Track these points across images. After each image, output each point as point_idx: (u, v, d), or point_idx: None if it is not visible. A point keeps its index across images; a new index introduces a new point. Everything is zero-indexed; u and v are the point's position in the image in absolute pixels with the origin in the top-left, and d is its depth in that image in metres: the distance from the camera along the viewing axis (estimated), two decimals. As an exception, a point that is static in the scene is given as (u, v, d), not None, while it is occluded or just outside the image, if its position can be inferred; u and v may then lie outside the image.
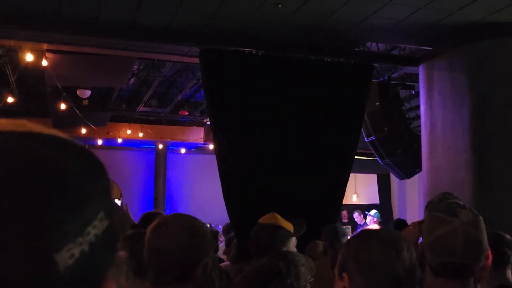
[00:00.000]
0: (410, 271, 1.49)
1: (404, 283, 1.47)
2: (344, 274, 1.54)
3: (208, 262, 2.47)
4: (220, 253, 6.17)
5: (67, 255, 0.57)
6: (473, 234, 1.78)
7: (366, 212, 12.55)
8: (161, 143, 14.35)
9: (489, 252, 1.92)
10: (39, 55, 7.34)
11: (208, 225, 9.20)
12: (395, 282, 1.46)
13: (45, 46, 6.94)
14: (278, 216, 3.41)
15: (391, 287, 1.46)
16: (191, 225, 1.90)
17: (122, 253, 1.86)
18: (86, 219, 0.60)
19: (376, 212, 12.27)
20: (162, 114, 12.85)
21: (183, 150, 14.60)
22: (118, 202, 14.58)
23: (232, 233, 6.23)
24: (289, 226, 3.37)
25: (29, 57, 7.14)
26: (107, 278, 0.64)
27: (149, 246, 1.85)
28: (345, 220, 13.43)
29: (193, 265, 1.84)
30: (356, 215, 12.59)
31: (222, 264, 4.49)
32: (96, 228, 0.61)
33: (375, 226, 10.87)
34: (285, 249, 3.18)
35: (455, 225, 1.78)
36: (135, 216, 4.69)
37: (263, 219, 3.41)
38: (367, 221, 11.94)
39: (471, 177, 5.92)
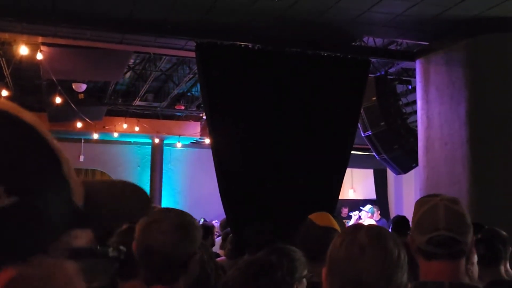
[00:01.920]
0: (377, 273, 1.37)
1: (368, 285, 1.36)
2: (323, 268, 1.52)
3: (201, 255, 2.46)
4: (216, 248, 6.16)
5: None
6: (454, 208, 1.85)
7: (360, 207, 12.52)
8: (157, 137, 14.32)
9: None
10: (34, 48, 7.29)
11: (202, 220, 9.18)
12: (356, 284, 1.37)
13: (40, 39, 6.89)
14: (331, 217, 3.31)
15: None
16: (182, 221, 1.88)
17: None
18: None
19: (371, 208, 12.25)
20: (158, 108, 12.82)
21: (179, 145, 14.57)
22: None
23: (228, 228, 6.22)
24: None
25: (24, 50, 7.10)
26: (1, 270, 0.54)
27: (141, 245, 1.83)
28: (345, 216, 13.43)
29: (185, 261, 1.83)
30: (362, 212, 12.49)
31: (218, 259, 4.48)
32: None
33: (372, 222, 10.88)
34: None
35: (435, 201, 1.87)
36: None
37: (318, 219, 3.28)
38: (362, 216, 11.91)
39: (467, 172, 5.92)
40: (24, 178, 0.55)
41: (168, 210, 1.99)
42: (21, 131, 0.57)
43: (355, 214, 12.09)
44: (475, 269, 2.41)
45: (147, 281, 1.83)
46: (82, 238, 0.61)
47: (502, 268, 3.12)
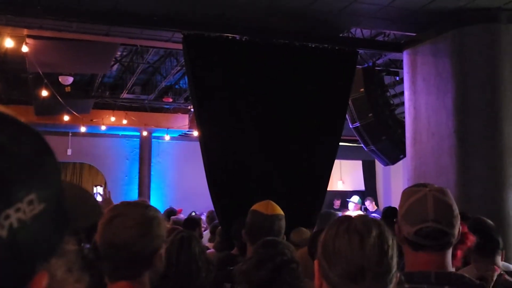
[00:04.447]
0: (377, 261, 1.40)
1: (369, 272, 1.39)
2: (315, 261, 1.52)
3: (193, 248, 2.46)
4: (204, 241, 6.16)
5: None
6: (442, 198, 1.85)
7: (347, 199, 12.58)
8: (145, 130, 14.27)
9: (471, 235, 1.94)
10: (19, 41, 7.21)
11: (194, 213, 9.17)
12: (358, 271, 1.39)
13: (25, 31, 6.81)
14: (275, 204, 3.37)
15: (354, 276, 1.39)
16: (145, 215, 1.85)
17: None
18: (4, 200, 0.53)
19: (359, 199, 12.32)
20: (146, 101, 12.76)
21: (167, 137, 14.53)
22: (101, 189, 14.53)
23: (217, 221, 6.22)
24: (283, 213, 3.37)
25: (9, 42, 7.02)
26: (38, 271, 0.57)
27: (104, 241, 1.80)
28: (337, 207, 13.47)
29: (149, 256, 1.81)
30: (368, 203, 12.57)
31: (207, 252, 4.47)
32: (21, 212, 0.54)
33: (359, 213, 10.91)
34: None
35: (424, 192, 1.85)
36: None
37: (262, 208, 3.35)
38: (350, 208, 11.96)
39: (455, 163, 5.96)
40: (47, 186, 0.58)
41: (131, 204, 1.94)
42: (38, 140, 0.61)
43: (353, 203, 12.13)
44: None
45: (110, 276, 1.80)
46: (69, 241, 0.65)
47: (498, 258, 3.13)
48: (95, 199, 0.75)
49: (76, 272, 0.63)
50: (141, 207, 1.89)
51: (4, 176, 0.54)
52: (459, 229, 1.88)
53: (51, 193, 0.59)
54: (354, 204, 12.01)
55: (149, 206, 1.92)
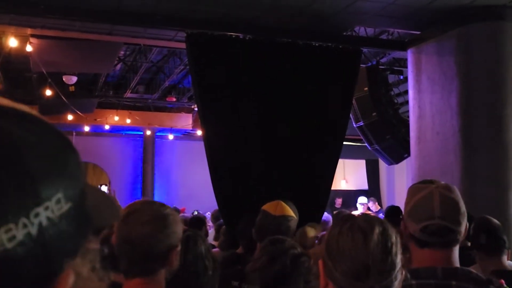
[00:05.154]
0: (381, 258, 1.41)
1: (374, 270, 1.39)
2: (320, 261, 1.51)
3: (199, 247, 2.46)
4: (210, 240, 6.15)
5: (5, 237, 0.51)
6: (449, 195, 1.83)
7: (356, 201, 12.57)
8: (149, 129, 14.28)
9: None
10: (23, 40, 7.22)
11: (196, 212, 9.17)
12: (362, 269, 1.39)
13: (29, 31, 6.82)
14: (285, 205, 3.37)
15: (359, 274, 1.39)
16: (161, 211, 1.85)
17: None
18: (35, 198, 0.53)
19: (368, 200, 12.33)
20: (150, 100, 12.77)
21: (171, 137, 14.54)
22: (105, 188, 14.54)
23: (221, 220, 6.21)
24: (294, 213, 3.36)
25: (13, 42, 7.03)
26: (65, 269, 0.58)
27: (120, 237, 1.80)
28: (338, 206, 13.46)
29: (165, 253, 1.81)
30: (370, 204, 12.57)
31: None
32: (49, 211, 0.55)
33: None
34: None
35: (430, 189, 1.84)
36: (123, 203, 4.63)
37: (271, 209, 3.35)
38: (359, 209, 11.93)
39: (459, 162, 5.93)
40: (73, 185, 0.59)
41: (147, 201, 1.97)
42: (63, 139, 0.62)
43: (361, 204, 12.15)
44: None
45: (126, 273, 1.80)
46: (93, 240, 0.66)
47: (505, 257, 3.12)
48: (113, 198, 0.75)
49: (99, 270, 0.65)
50: (157, 204, 1.91)
51: (34, 174, 0.54)
52: (466, 225, 1.87)
53: (77, 192, 0.60)
54: (363, 205, 11.98)
55: (164, 205, 1.93)
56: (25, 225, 0.52)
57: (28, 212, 0.53)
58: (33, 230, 0.53)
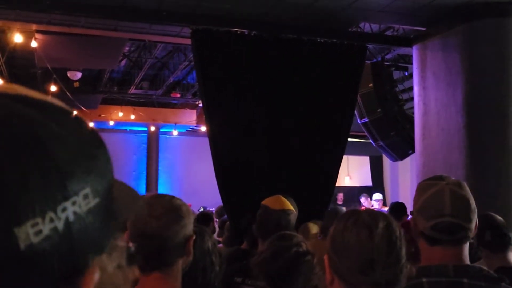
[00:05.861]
0: (386, 252, 1.42)
1: (379, 263, 1.41)
2: (325, 256, 1.52)
3: (206, 243, 2.47)
4: (214, 235, 6.17)
5: (32, 231, 0.50)
6: (459, 192, 1.83)
7: (368, 197, 12.53)
8: (153, 125, 14.29)
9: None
10: (28, 36, 7.23)
11: (202, 209, 9.19)
12: (368, 263, 1.41)
13: (34, 26, 6.82)
14: (284, 199, 3.38)
15: (364, 268, 1.41)
16: (173, 203, 1.86)
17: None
18: (62, 192, 0.52)
19: (380, 195, 12.22)
20: (154, 96, 12.77)
21: (175, 133, 14.55)
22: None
23: (225, 216, 6.22)
24: (294, 207, 3.37)
25: (18, 38, 7.04)
26: (91, 266, 0.57)
27: (135, 232, 1.79)
28: (340, 202, 13.47)
29: (181, 244, 1.81)
30: (363, 199, 12.56)
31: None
32: (77, 206, 0.54)
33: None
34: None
35: (441, 185, 1.83)
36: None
37: (270, 203, 3.36)
38: (375, 206, 11.85)
39: (464, 159, 5.92)
40: (101, 180, 0.58)
41: (157, 195, 1.97)
42: (93, 133, 0.61)
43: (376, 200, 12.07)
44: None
45: (143, 269, 1.79)
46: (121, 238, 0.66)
47: (510, 254, 3.11)
48: (137, 193, 0.74)
49: (125, 267, 0.65)
50: (168, 197, 1.91)
51: (63, 168, 0.53)
52: (476, 222, 1.86)
53: (104, 187, 0.59)
54: (378, 201, 11.92)
55: (174, 196, 1.93)
56: (52, 220, 0.51)
57: (56, 206, 0.52)
58: (60, 225, 0.52)
